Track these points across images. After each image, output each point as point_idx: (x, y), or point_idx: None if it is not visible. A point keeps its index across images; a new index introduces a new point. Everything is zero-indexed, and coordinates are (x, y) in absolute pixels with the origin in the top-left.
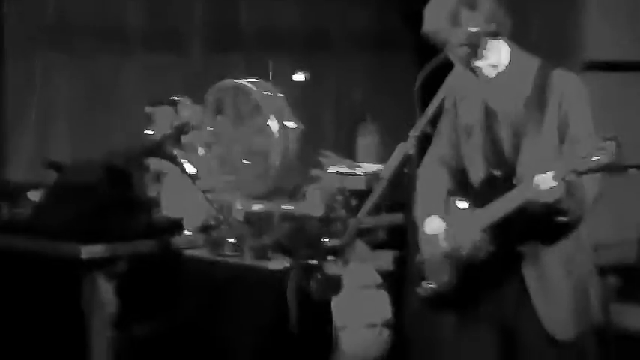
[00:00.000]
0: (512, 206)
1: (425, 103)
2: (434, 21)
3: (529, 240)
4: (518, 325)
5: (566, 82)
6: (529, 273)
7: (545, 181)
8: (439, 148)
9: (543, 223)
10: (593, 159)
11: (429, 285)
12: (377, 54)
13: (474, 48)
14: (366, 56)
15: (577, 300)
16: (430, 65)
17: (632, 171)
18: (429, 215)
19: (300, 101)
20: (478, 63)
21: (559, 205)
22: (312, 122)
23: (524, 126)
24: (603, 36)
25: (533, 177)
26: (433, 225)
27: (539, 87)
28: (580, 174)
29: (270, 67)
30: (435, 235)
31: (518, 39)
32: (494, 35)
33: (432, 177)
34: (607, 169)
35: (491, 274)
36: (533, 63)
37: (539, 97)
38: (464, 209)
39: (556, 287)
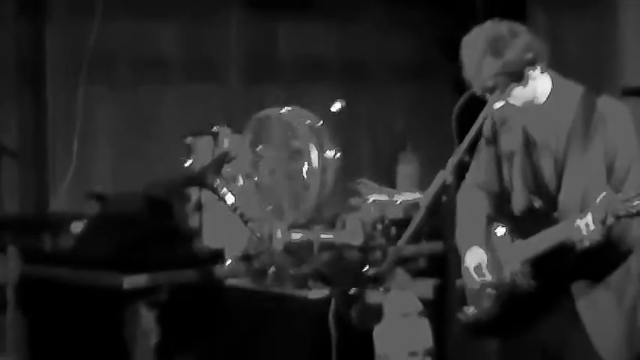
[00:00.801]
0: (553, 244)
1: (463, 132)
2: (465, 68)
3: (574, 274)
4: (567, 354)
5: (612, 111)
6: (580, 304)
7: (586, 225)
8: (478, 174)
9: (588, 259)
10: (635, 203)
11: (471, 310)
12: (416, 83)
13: (504, 84)
14: (405, 85)
15: (628, 328)
16: (467, 94)
17: None
18: (469, 245)
19: (340, 130)
20: (497, 105)
21: (599, 246)
22: (352, 151)
23: (566, 157)
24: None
25: (575, 218)
26: (475, 257)
27: (584, 116)
28: (619, 218)
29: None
30: (479, 266)
31: (554, 66)
32: (531, 64)
33: (471, 201)
34: None
35: (536, 304)
36: (576, 91)
37: (583, 127)
38: (502, 236)
39: (609, 318)
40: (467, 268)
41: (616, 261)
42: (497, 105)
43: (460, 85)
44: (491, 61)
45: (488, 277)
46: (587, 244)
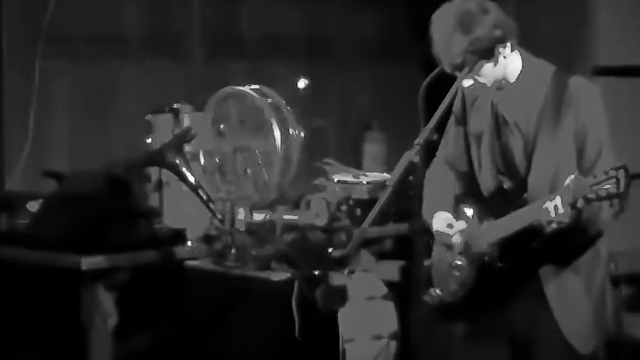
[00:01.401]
0: (521, 226)
1: (430, 111)
2: (434, 45)
3: (542, 258)
4: (535, 338)
5: (584, 92)
6: (549, 289)
7: (555, 207)
8: (447, 151)
9: (557, 242)
10: (604, 187)
11: (437, 292)
12: (383, 61)
13: (473, 62)
14: (372, 63)
15: (597, 313)
16: (435, 72)
17: None
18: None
19: (304, 109)
20: (466, 83)
21: (566, 229)
22: (316, 130)
23: (536, 137)
24: (613, 39)
25: (544, 200)
26: (442, 217)
27: (555, 96)
28: (589, 201)
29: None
30: (449, 224)
31: (524, 44)
32: (500, 42)
33: (439, 179)
34: (616, 197)
35: (503, 287)
36: (547, 70)
37: (554, 107)
38: (470, 217)
39: (577, 302)
40: (438, 231)
41: (585, 245)
42: (466, 83)
43: (429, 62)
44: (460, 38)
45: (457, 242)
46: (554, 226)
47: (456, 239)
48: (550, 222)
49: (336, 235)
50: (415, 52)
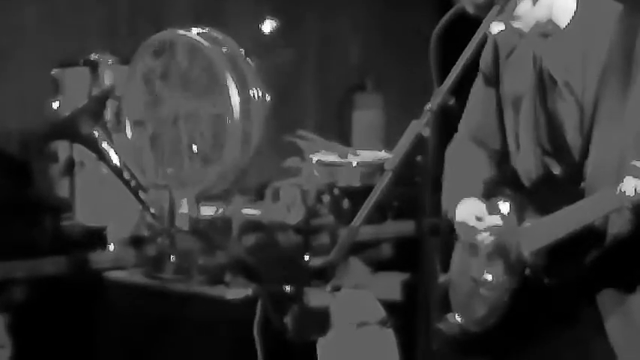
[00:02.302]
0: (579, 225)
1: (445, 66)
2: None
3: (604, 275)
4: None
5: None
6: (610, 322)
7: (635, 189)
8: (472, 123)
9: (630, 248)
10: None
11: (456, 319)
12: None
13: None
14: None
15: None
16: (452, 12)
17: None
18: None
19: (272, 61)
20: (495, 28)
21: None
22: (289, 92)
23: (598, 104)
24: None
25: (610, 188)
26: (470, 206)
27: (623, 47)
28: None
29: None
30: (481, 223)
31: None
32: None
33: (464, 160)
34: None
35: (547, 314)
36: (612, 10)
37: (622, 63)
38: (506, 214)
39: None
40: (462, 224)
41: None
42: (496, 28)
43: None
44: None
45: (497, 240)
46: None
47: (486, 238)
48: (637, 208)
49: (316, 238)
50: None
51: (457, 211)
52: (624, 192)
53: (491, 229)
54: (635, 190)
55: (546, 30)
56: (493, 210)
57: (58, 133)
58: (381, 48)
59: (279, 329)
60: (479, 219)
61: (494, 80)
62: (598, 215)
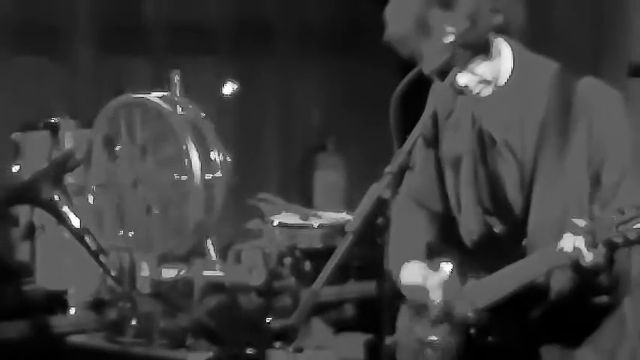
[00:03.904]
0: (521, 283)
1: (406, 127)
2: (397, 24)
3: (548, 331)
4: None
5: (600, 99)
6: None
7: (575, 246)
8: (414, 184)
9: (573, 304)
10: (636, 227)
11: None
12: (340, 54)
13: (458, 59)
14: (324, 58)
15: None
16: (412, 74)
17: None
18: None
19: (232, 123)
20: (462, 79)
21: (599, 275)
22: (249, 153)
23: (537, 162)
24: None
25: (549, 247)
26: (414, 268)
27: (559, 106)
28: (615, 247)
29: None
30: (424, 286)
31: (535, 37)
32: (500, 32)
33: (406, 221)
34: None
35: None
36: (547, 69)
37: (558, 121)
38: (449, 275)
39: None
40: (408, 286)
41: (604, 310)
42: (462, 80)
43: (403, 59)
44: (440, 15)
45: (440, 302)
46: (590, 263)
47: (435, 298)
48: (576, 265)
49: (277, 299)
50: (386, 45)
51: (402, 275)
52: (563, 249)
53: (436, 290)
54: (574, 246)
55: (487, 88)
56: (436, 271)
57: (18, 197)
58: (342, 109)
59: None
60: (424, 281)
61: (433, 141)
62: (540, 273)
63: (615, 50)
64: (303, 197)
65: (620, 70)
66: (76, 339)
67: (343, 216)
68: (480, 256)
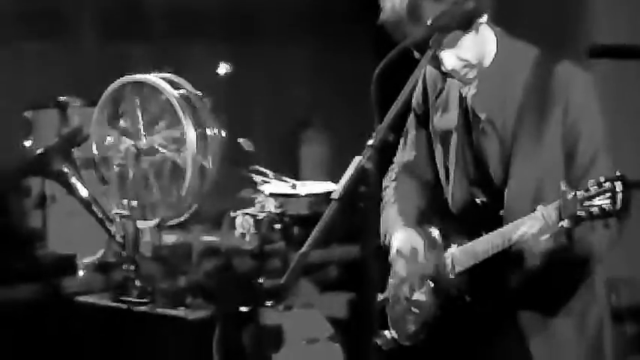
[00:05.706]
0: (496, 250)
1: (386, 104)
2: (390, 9)
3: (523, 297)
4: None
5: (575, 82)
6: (535, 344)
7: (535, 226)
8: (406, 156)
9: (542, 273)
10: (597, 203)
11: (391, 335)
12: (324, 39)
13: (441, 38)
14: (309, 42)
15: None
16: (391, 55)
17: None
18: (398, 230)
19: (225, 102)
20: (449, 63)
21: (554, 256)
22: (241, 129)
23: (515, 139)
24: (614, 16)
25: (523, 217)
26: (405, 235)
27: (538, 88)
28: (579, 221)
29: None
30: (414, 250)
31: (506, 22)
32: (474, 16)
33: (398, 190)
34: (611, 216)
35: (473, 329)
36: (528, 54)
37: (537, 102)
38: (436, 239)
39: (568, 352)
40: (398, 252)
41: (576, 280)
42: (448, 61)
43: (384, 41)
44: (430, 5)
45: (427, 264)
46: (547, 246)
47: (421, 263)
48: (531, 248)
49: (269, 262)
50: (365, 25)
51: (393, 240)
52: (525, 230)
53: (425, 254)
54: (530, 232)
55: (472, 71)
56: (424, 235)
57: (30, 169)
58: (325, 87)
59: (237, 347)
60: (414, 247)
61: (424, 118)
62: (503, 246)
63: (576, 32)
64: (292, 169)
65: (581, 51)
66: (85, 299)
67: (328, 185)
68: (463, 224)
